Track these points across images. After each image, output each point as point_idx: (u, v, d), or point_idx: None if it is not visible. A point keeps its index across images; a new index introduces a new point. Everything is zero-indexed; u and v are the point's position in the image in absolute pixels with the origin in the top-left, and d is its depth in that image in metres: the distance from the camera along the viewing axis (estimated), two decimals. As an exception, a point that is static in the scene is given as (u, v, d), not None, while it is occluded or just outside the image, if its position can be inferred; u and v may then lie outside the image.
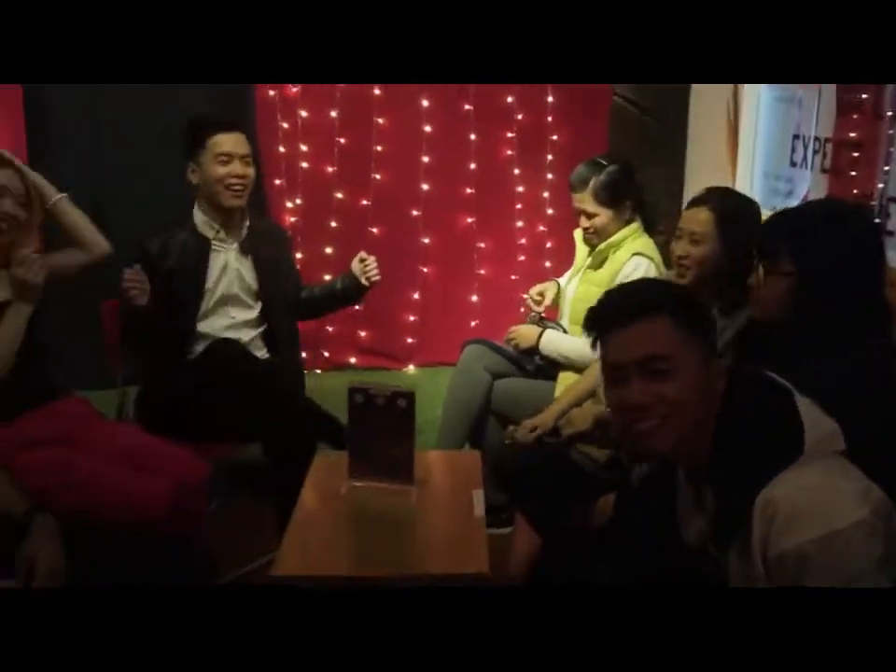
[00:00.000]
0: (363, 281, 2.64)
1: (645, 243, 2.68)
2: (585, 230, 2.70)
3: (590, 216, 2.64)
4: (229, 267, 2.57)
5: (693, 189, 3.44)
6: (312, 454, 2.26)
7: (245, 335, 2.59)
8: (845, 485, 1.11)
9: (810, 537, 1.06)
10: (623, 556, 1.44)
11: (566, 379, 2.54)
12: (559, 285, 2.89)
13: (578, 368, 2.54)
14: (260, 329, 2.64)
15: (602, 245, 2.66)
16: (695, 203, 2.16)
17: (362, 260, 2.64)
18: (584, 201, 2.64)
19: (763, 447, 1.15)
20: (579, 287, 2.76)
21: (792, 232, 1.57)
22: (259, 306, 2.62)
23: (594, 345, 1.31)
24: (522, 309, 2.93)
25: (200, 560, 2.01)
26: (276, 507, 2.22)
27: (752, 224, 2.04)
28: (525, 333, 2.71)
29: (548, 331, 2.67)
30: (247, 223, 2.61)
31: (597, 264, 2.69)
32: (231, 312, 2.58)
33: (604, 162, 2.66)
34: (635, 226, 2.69)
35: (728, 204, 2.12)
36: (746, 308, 1.87)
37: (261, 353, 2.63)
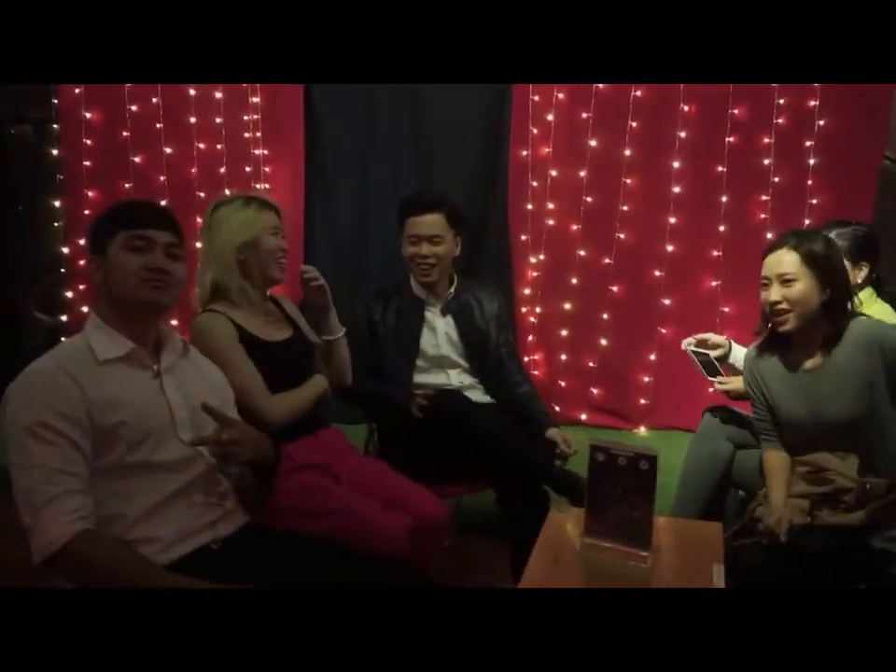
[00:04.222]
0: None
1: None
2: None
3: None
4: (437, 329, 2.74)
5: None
6: (541, 505, 2.30)
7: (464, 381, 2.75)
8: None
9: None
10: None
11: None
12: (731, 344, 2.74)
13: None
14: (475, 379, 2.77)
15: None
16: (774, 248, 2.19)
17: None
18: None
19: None
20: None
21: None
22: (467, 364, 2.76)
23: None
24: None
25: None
26: (510, 551, 2.34)
27: (835, 259, 2.17)
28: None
29: None
30: (451, 291, 2.77)
31: None
32: (446, 369, 2.74)
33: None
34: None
35: (809, 244, 2.14)
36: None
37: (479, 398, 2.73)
